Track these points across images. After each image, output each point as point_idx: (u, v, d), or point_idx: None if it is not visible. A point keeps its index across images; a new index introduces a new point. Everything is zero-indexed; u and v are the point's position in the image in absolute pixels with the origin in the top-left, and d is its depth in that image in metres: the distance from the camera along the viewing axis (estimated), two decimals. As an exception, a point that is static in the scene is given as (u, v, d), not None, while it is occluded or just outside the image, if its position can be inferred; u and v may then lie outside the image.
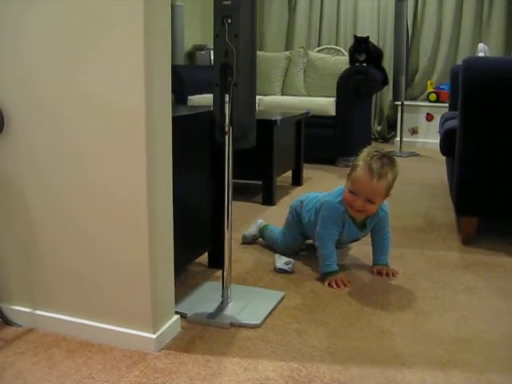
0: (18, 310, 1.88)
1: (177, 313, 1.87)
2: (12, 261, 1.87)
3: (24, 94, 1.71)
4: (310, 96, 5.46)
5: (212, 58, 5.79)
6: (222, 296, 2.01)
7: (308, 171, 4.39)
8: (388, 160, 2.22)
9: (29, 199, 1.78)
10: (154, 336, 1.71)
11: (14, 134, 1.74)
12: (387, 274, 2.35)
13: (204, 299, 2.05)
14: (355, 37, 5.29)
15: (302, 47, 6.00)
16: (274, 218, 3.00)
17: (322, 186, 4.01)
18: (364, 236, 2.46)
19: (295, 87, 5.69)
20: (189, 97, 5.26)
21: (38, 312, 1.85)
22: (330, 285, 2.23)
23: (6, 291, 1.89)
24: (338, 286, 2.22)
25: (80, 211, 1.72)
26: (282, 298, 2.10)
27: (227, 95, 1.81)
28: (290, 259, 2.41)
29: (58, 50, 1.64)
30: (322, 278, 2.28)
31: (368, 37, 5.24)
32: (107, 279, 1.74)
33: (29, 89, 1.70)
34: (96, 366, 1.64)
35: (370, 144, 5.51)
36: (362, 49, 5.14)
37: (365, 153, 2.25)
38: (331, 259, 2.30)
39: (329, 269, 2.29)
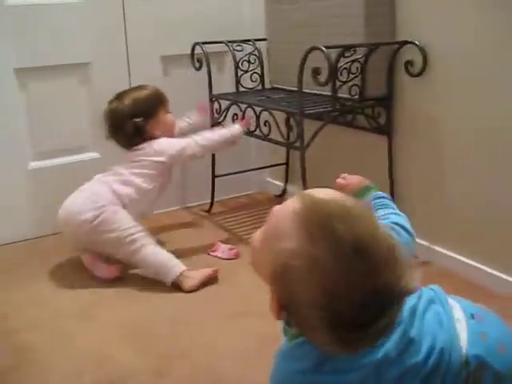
0: (418, 242, 2.04)
1: None
2: (416, 197, 2.04)
3: (444, 37, 1.85)
4: None
5: None
6: None
7: None
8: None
9: (441, 136, 1.93)
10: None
11: (434, 75, 1.91)
12: None
13: None
14: None
15: None
16: None
17: None
18: None
19: None
20: None
21: (436, 247, 2.02)
22: None
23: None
24: None
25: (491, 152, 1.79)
26: None
27: None
28: None
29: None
30: None
31: None
32: (501, 227, 1.80)
33: (450, 32, 1.83)
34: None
35: None
36: None
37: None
38: None
39: None
